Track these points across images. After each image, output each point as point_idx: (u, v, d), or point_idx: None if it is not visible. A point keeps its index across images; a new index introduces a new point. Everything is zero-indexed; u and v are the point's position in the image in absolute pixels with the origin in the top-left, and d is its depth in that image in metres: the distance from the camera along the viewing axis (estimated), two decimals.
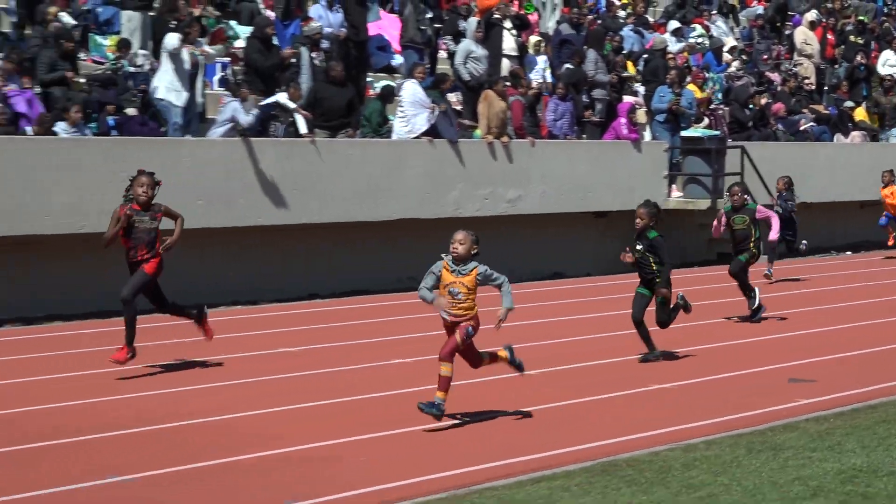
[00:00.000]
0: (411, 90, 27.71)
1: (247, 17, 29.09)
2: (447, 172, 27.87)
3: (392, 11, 31.14)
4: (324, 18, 28.55)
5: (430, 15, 31.38)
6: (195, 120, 25.07)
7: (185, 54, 24.83)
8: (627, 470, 12.70)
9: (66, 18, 25.67)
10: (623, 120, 31.62)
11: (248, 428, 15.01)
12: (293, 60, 27.38)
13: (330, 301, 25.71)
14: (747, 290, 22.98)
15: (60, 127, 23.08)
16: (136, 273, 17.47)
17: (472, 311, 14.05)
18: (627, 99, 32.36)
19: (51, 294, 22.87)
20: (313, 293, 25.91)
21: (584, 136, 31.53)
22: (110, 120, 24.05)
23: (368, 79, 29.00)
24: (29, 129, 22.89)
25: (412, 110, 27.46)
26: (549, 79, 31.67)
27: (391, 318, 22.85)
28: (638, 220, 18.36)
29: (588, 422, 15.24)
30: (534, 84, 31.01)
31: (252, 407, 15.77)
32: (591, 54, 32.54)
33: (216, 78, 26.65)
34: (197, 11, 27.43)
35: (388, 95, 28.24)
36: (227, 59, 27.00)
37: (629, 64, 34.23)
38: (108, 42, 26.13)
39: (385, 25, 30.87)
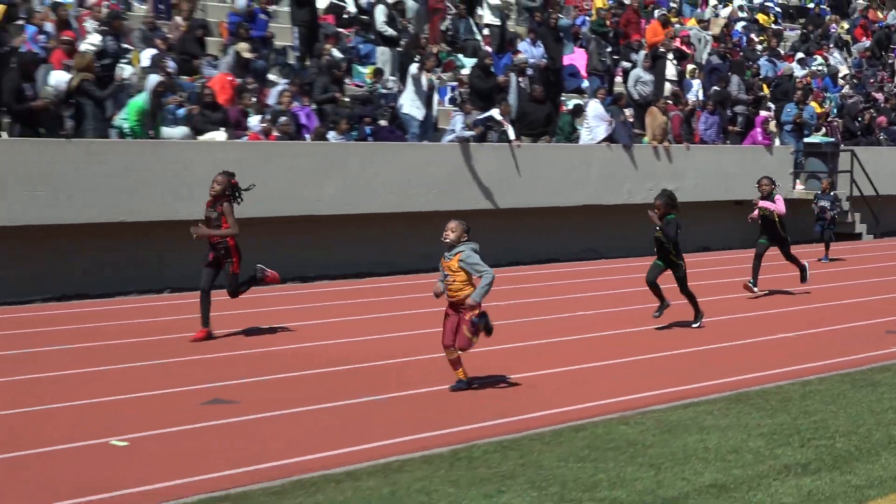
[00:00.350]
0: (594, 107, 27.99)
1: (471, 50, 29.28)
2: (621, 170, 28.07)
3: (580, 46, 31.25)
4: (528, 52, 28.81)
5: (609, 49, 31.45)
6: (430, 129, 25.40)
7: (424, 79, 25.15)
8: (756, 399, 12.86)
9: (336, 53, 26.08)
10: (759, 129, 31.54)
11: (474, 360, 15.48)
12: (505, 84, 27.76)
13: (522, 267, 25.72)
14: (794, 261, 21.45)
15: (331, 135, 23.65)
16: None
17: (461, 292, 12.55)
18: (762, 113, 32.20)
19: (324, 258, 23.42)
20: (515, 261, 25.96)
21: (728, 142, 31.45)
22: (367, 129, 24.42)
23: (562, 98, 29.13)
24: (308, 136, 23.49)
25: (595, 122, 27.70)
26: (701, 97, 31.59)
27: (578, 281, 23.01)
28: (657, 208, 17.12)
29: (725, 361, 15.31)
30: (689, 102, 30.97)
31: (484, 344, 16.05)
32: (735, 79, 32.49)
33: (447, 97, 27.01)
34: (434, 48, 27.81)
35: (577, 111, 28.43)
36: (455, 83, 27.30)
37: (764, 86, 33.97)
38: (367, 71, 26.54)
39: (575, 57, 30.97)
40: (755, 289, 21.08)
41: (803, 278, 21.42)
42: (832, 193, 26.97)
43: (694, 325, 17.62)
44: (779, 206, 21.05)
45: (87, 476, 9.85)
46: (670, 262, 17.28)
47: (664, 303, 17.23)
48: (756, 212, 21.20)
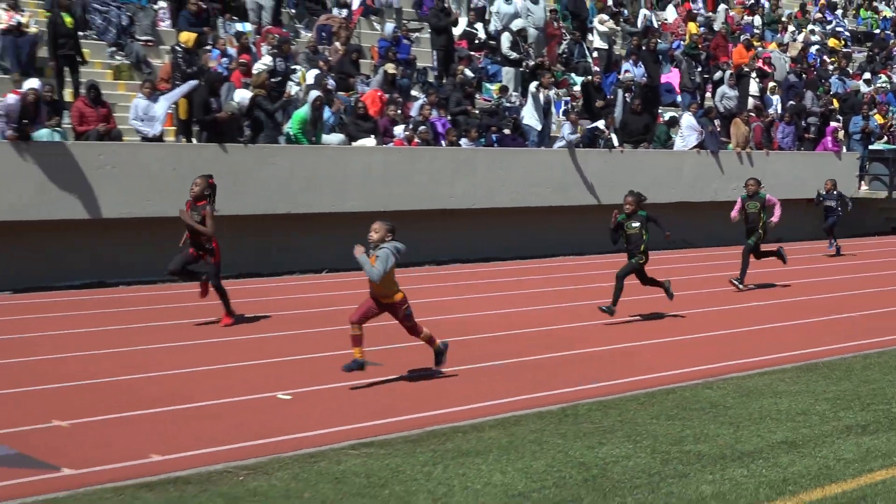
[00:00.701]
0: (687, 119, 27.73)
1: (582, 70, 29.24)
2: (709, 172, 27.76)
3: (675, 66, 30.97)
4: (631, 71, 28.67)
5: (699, 69, 31.12)
6: (546, 138, 25.39)
7: (542, 95, 25.26)
8: (823, 369, 12.83)
9: (468, 72, 26.15)
10: (829, 138, 31.00)
11: (564, 333, 15.52)
12: (611, 98, 27.66)
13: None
14: (757, 257, 19.74)
15: (463, 141, 23.74)
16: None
17: (382, 286, 11.44)
18: (832, 124, 31.63)
19: (455, 245, 23.52)
20: (618, 250, 25.57)
21: (802, 148, 30.94)
22: (493, 137, 24.42)
23: (659, 110, 28.92)
24: (443, 142, 23.61)
25: (687, 132, 27.45)
26: (779, 111, 31.15)
27: (671, 266, 22.85)
28: (626, 206, 15.63)
29: (796, 336, 15.19)
30: (769, 114, 30.53)
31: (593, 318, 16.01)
32: (809, 94, 31.93)
33: (561, 110, 26.96)
34: (551, 68, 27.82)
35: (672, 122, 28.18)
36: (567, 98, 27.28)
37: (834, 101, 33.36)
38: (494, 87, 26.55)
39: (671, 76, 30.70)
40: (741, 286, 19.19)
41: (784, 260, 20.07)
42: (835, 192, 25.77)
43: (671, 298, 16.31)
44: (776, 214, 19.52)
45: (258, 423, 10.08)
46: (640, 254, 15.73)
47: (613, 305, 15.48)
48: (737, 211, 19.69)
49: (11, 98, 18.03)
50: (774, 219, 19.57)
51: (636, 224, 15.66)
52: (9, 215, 17.77)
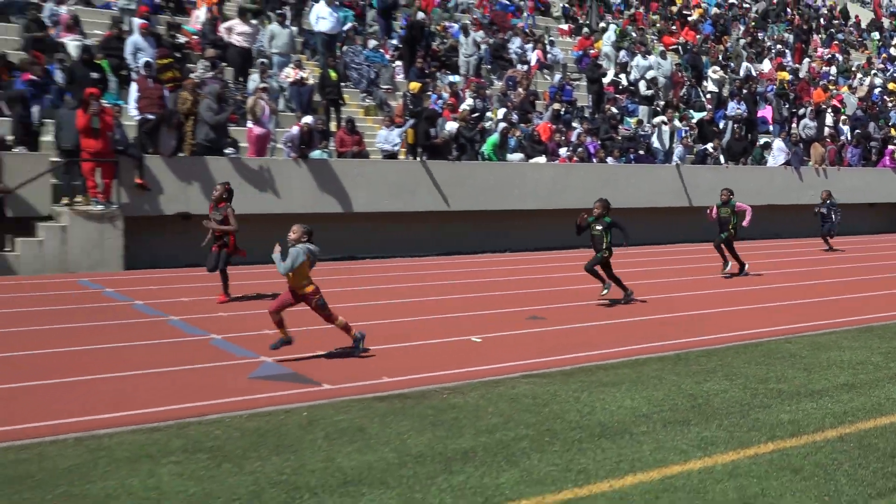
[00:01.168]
0: (778, 143, 26.68)
1: (698, 108, 28.35)
2: (793, 183, 26.52)
3: (769, 104, 29.76)
4: (735, 108, 27.66)
5: (787, 105, 29.82)
6: (670, 157, 24.82)
7: (666, 127, 24.75)
8: (879, 331, 12.31)
9: (614, 109, 25.60)
10: (887, 158, 29.31)
11: (684, 301, 15.07)
12: (721, 128, 26.80)
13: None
14: (726, 257, 17.39)
15: (609, 159, 23.39)
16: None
17: (295, 281, 9.58)
18: (890, 147, 29.84)
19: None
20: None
21: (866, 166, 29.36)
22: (631, 156, 24.00)
23: (756, 137, 27.91)
24: (594, 160, 23.18)
25: (777, 153, 26.42)
26: (849, 137, 29.60)
27: (764, 252, 22.09)
28: (595, 210, 13.70)
29: (858, 305, 14.52)
30: (841, 140, 29.10)
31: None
32: (872, 124, 30.32)
33: (682, 137, 26.24)
34: (677, 106, 27.20)
35: (766, 146, 27.10)
36: (687, 128, 26.55)
37: (892, 129, 31.51)
38: (632, 120, 25.96)
39: (765, 111, 29.50)
40: (726, 270, 17.29)
41: (740, 272, 17.48)
42: (828, 202, 22.52)
43: (602, 294, 13.94)
44: (747, 219, 17.50)
45: (458, 357, 10.18)
46: (604, 249, 13.76)
47: (606, 283, 13.92)
48: (713, 215, 17.41)
49: (295, 129, 18.61)
50: (745, 222, 17.56)
51: (599, 227, 13.66)
52: (293, 209, 18.26)
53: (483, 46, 26.05)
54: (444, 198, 20.26)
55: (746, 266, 17.65)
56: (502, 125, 21.89)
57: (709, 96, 29.30)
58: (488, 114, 23.12)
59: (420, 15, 25.29)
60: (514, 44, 27.47)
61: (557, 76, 27.12)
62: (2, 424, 7.33)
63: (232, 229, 13.08)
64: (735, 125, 26.70)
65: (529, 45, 27.70)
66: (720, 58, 32.06)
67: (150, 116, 16.81)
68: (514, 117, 23.12)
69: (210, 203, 13.58)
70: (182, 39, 20.76)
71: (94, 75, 17.42)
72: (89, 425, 7.39)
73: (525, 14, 31.13)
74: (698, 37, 33.60)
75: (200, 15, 21.93)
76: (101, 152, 15.69)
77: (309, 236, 9.60)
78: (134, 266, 16.32)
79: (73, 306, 12.50)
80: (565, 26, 32.27)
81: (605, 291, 13.92)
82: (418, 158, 20.41)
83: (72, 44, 19.05)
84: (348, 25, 24.38)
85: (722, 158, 25.59)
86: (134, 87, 17.27)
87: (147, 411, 7.80)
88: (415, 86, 21.72)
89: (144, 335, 10.76)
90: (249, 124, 18.14)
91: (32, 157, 15.88)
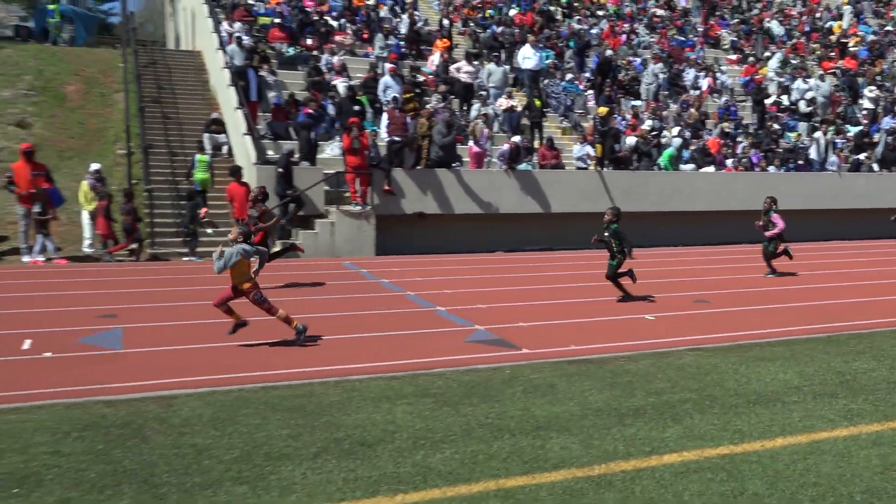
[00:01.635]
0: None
1: (855, 122, 25.80)
2: (875, 187, 23.83)
3: None
4: (889, 122, 25.01)
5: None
6: (825, 166, 22.76)
7: (822, 139, 22.77)
8: None
9: (776, 126, 23.75)
10: None
11: (814, 293, 13.79)
12: (876, 140, 24.32)
13: (842, 241, 22.57)
14: (771, 259, 14.53)
15: (770, 168, 21.80)
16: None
17: (239, 277, 8.31)
18: None
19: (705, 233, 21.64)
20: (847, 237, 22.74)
21: None
22: (791, 165, 22.13)
23: None
24: (757, 169, 21.70)
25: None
26: None
27: (850, 250, 19.92)
28: (605, 217, 11.64)
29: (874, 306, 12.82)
30: None
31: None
32: None
33: (837, 149, 23.91)
34: (835, 122, 24.96)
35: None
36: (843, 140, 24.23)
37: None
38: (793, 135, 23.69)
39: None
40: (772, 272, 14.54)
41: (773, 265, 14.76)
42: None
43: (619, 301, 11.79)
44: (777, 228, 14.41)
45: (633, 332, 9.84)
46: (612, 255, 11.74)
47: (626, 295, 11.92)
48: (761, 223, 14.56)
49: (506, 147, 18.72)
50: (767, 233, 14.51)
51: (606, 234, 11.63)
52: (506, 209, 18.38)
53: (661, 76, 25.05)
54: (627, 202, 19.68)
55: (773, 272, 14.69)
56: (677, 141, 20.99)
57: (864, 112, 26.69)
58: (664, 132, 22.22)
59: (608, 52, 24.73)
60: (689, 74, 26.22)
61: (724, 98, 25.61)
62: (285, 368, 7.87)
63: (272, 225, 12.09)
64: (889, 137, 24.18)
65: (702, 73, 26.34)
66: (875, 78, 29.08)
67: (397, 139, 17.50)
68: (687, 134, 22.09)
69: (248, 202, 12.45)
70: (421, 78, 21.46)
71: (356, 108, 18.40)
72: (346, 372, 7.76)
73: (698, 48, 29.62)
74: (855, 61, 30.65)
75: (435, 59, 22.54)
76: (359, 166, 16.51)
77: (245, 238, 8.36)
78: (383, 252, 16.95)
79: (338, 282, 13.18)
80: (733, 56, 30.40)
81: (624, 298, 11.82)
82: (603, 169, 19.95)
83: (340, 85, 20.13)
84: (549, 62, 24.21)
85: (875, 167, 23.24)
86: (385, 116, 18.01)
87: (388, 363, 8.09)
88: (603, 110, 21.22)
89: (389, 305, 11.13)
90: (471, 143, 18.45)
91: (312, 170, 16.87)
